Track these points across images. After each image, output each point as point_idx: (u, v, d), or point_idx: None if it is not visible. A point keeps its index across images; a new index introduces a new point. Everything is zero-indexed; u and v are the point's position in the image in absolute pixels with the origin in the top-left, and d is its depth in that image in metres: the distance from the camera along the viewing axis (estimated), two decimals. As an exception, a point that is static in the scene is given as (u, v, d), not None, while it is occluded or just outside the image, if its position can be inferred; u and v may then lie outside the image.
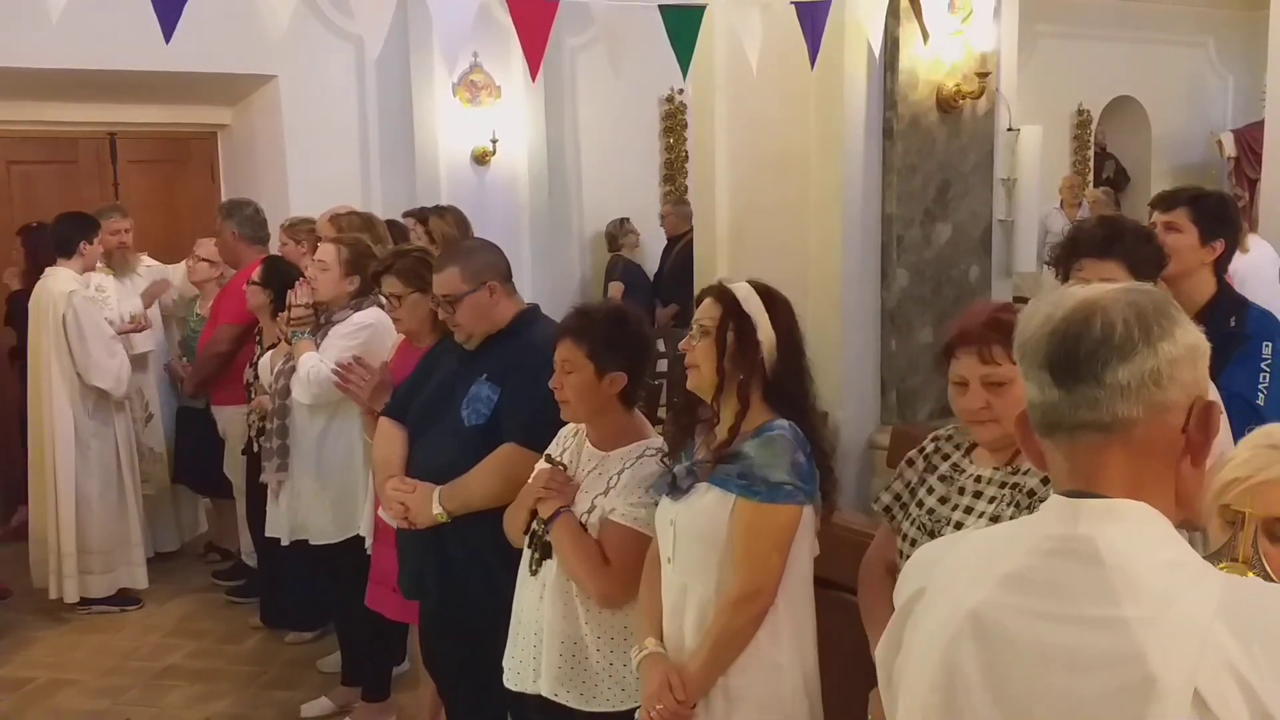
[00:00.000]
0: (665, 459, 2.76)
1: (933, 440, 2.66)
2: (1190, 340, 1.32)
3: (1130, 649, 1.21)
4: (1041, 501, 1.84)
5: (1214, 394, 2.77)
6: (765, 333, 2.61)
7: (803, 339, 2.71)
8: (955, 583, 1.37)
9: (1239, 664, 1.18)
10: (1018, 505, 2.33)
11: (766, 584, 2.55)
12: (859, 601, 2.71)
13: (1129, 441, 1.30)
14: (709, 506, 2.57)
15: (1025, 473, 2.37)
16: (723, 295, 2.66)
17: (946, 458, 2.59)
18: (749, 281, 2.71)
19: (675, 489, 2.65)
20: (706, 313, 2.66)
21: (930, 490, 2.55)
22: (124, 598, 5.75)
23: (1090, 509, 1.29)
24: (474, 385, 3.39)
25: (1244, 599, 1.24)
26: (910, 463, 2.67)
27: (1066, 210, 10.04)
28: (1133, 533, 1.28)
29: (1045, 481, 2.25)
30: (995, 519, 2.33)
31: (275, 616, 5.45)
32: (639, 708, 2.68)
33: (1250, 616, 1.21)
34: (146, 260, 6.62)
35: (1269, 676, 1.17)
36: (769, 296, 2.67)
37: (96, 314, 5.49)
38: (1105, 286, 1.36)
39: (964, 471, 2.51)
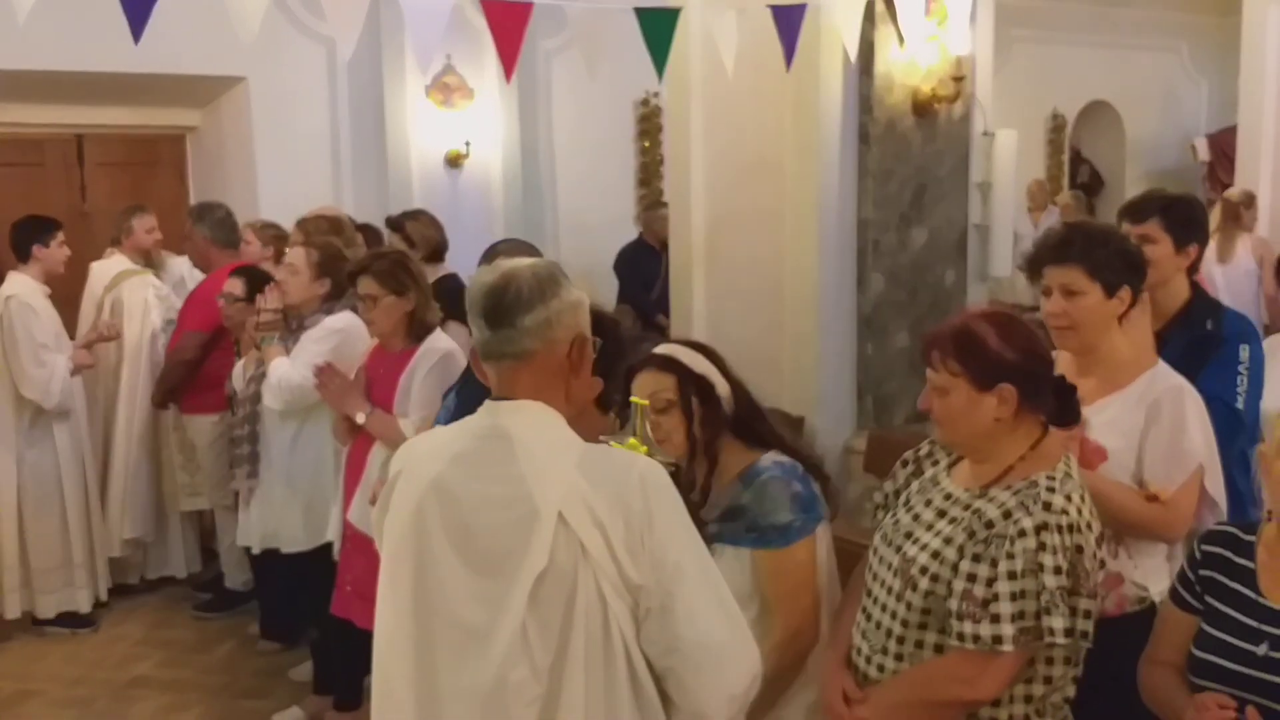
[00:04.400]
0: None
1: (929, 442, 2.65)
2: (571, 298, 1.98)
3: (523, 492, 1.89)
4: (999, 535, 2.26)
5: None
6: (722, 386, 2.66)
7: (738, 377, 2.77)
8: (422, 462, 2.01)
9: (587, 495, 1.87)
10: (973, 534, 2.30)
11: (804, 623, 2.61)
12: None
13: (532, 365, 1.96)
14: (725, 569, 2.42)
15: (989, 499, 2.34)
16: (670, 364, 2.66)
17: (936, 463, 2.59)
18: (677, 342, 2.77)
19: None
20: (659, 385, 2.63)
21: (908, 501, 2.54)
22: (76, 619, 5.50)
23: (505, 407, 1.98)
24: (450, 394, 3.36)
25: (594, 458, 1.95)
26: (904, 463, 2.67)
27: (1032, 215, 10.05)
28: (530, 421, 1.96)
29: (1006, 515, 2.28)
30: (948, 541, 2.32)
31: (276, 630, 5.28)
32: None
33: (596, 468, 1.92)
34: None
35: (601, 501, 1.87)
36: (705, 351, 2.72)
37: (32, 320, 5.28)
38: (522, 261, 2.00)
39: (938, 485, 2.50)
